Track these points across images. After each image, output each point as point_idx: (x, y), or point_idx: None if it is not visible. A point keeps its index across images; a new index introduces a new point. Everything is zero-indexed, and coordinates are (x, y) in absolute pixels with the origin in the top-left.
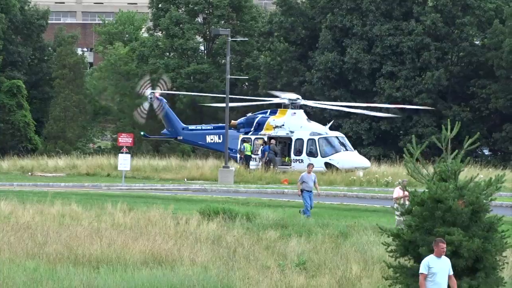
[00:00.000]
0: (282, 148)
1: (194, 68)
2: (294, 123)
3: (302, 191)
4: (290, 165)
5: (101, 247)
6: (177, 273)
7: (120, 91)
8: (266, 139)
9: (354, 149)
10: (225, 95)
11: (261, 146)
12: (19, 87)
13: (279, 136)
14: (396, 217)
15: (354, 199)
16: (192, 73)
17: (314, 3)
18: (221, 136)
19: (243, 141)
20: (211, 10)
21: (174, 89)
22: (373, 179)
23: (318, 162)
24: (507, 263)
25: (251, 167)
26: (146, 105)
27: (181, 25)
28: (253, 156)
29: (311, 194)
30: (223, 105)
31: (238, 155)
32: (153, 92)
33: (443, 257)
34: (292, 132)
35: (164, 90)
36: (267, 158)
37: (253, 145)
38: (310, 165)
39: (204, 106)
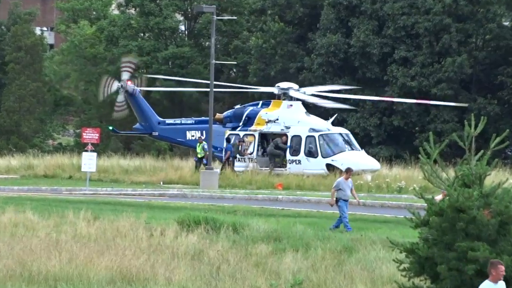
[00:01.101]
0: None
1: (173, 51)
2: (290, 117)
3: (337, 200)
4: (285, 166)
5: (60, 262)
6: None
7: (85, 78)
8: (257, 135)
9: (361, 148)
10: (209, 84)
11: (241, 144)
12: None
13: (272, 132)
14: None
15: (360, 208)
16: (170, 57)
17: None
18: (204, 131)
19: (228, 139)
20: None
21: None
22: (383, 184)
23: (318, 164)
24: None
25: (237, 168)
26: (120, 97)
27: (158, 1)
28: (238, 156)
29: (347, 203)
30: (207, 89)
31: (224, 155)
32: (122, 81)
33: (500, 282)
34: (288, 127)
35: (132, 72)
36: (231, 157)
37: (241, 143)
38: (349, 170)
39: (184, 96)
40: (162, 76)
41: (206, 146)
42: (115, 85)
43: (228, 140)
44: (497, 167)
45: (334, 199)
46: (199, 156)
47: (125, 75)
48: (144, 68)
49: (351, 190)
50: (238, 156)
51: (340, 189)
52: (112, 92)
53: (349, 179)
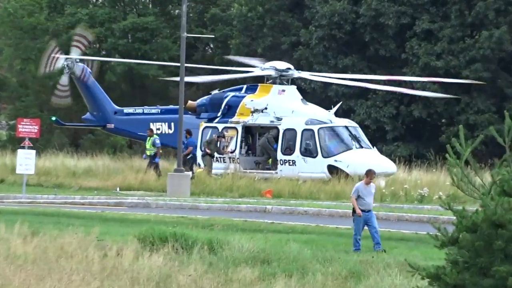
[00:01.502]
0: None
1: (133, 21)
2: (282, 106)
3: (354, 210)
4: (275, 168)
5: None
6: None
7: (21, 55)
8: (240, 129)
9: (373, 145)
10: (179, 63)
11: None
12: None
13: (259, 124)
14: None
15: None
16: (130, 29)
17: None
18: (172, 124)
19: (189, 131)
20: None
21: (103, 52)
22: (401, 192)
23: (318, 165)
24: None
25: (215, 171)
26: (64, 78)
27: None
28: (216, 155)
29: (372, 216)
30: (177, 78)
31: (202, 153)
32: (70, 58)
33: None
34: (279, 119)
35: (85, 50)
36: (190, 156)
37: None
38: (371, 172)
39: (148, 78)
40: (117, 59)
41: (158, 141)
42: (61, 61)
43: (188, 132)
44: None
45: (358, 208)
46: (148, 153)
47: (74, 52)
48: (96, 43)
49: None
50: (216, 155)
51: (359, 196)
52: (56, 69)
53: (371, 184)
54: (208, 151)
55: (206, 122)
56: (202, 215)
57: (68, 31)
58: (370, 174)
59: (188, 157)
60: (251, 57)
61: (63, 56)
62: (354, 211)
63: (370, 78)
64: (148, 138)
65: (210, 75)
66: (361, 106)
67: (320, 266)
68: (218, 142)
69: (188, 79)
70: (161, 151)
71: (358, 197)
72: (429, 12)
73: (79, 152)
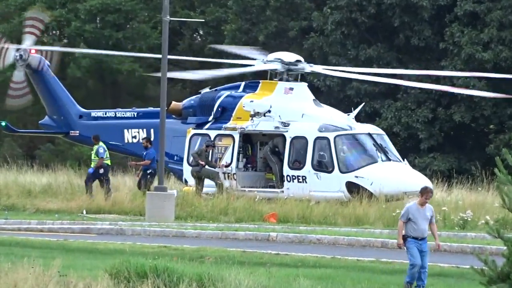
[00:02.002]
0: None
1: (103, 1)
2: (289, 108)
3: (405, 238)
4: (281, 187)
5: None
6: None
7: None
8: (237, 136)
9: (403, 157)
10: (160, 55)
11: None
12: None
13: (261, 131)
14: None
15: (400, 252)
16: (99, 11)
17: None
18: (152, 130)
19: (148, 139)
20: None
21: (65, 40)
22: (438, 215)
23: (334, 182)
24: None
25: (205, 189)
26: (18, 74)
27: None
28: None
29: (425, 248)
30: (158, 74)
31: (190, 164)
32: (21, 50)
33: None
34: (286, 124)
35: (40, 36)
36: (149, 174)
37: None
38: (427, 191)
39: (121, 73)
40: (83, 50)
41: (102, 150)
42: (12, 52)
43: (148, 141)
44: None
45: (406, 235)
46: (92, 165)
47: (28, 40)
48: (56, 28)
49: (430, 222)
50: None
51: (410, 219)
52: (7, 65)
53: (427, 206)
54: (202, 163)
55: (194, 129)
56: (190, 244)
57: (20, 13)
58: (426, 193)
59: (148, 171)
60: (249, 47)
61: (14, 46)
62: (405, 237)
63: (400, 73)
64: (95, 146)
65: (198, 69)
66: (388, 109)
67: None
68: (208, 153)
69: (171, 74)
70: (108, 163)
71: (409, 220)
72: None
73: (35, 166)
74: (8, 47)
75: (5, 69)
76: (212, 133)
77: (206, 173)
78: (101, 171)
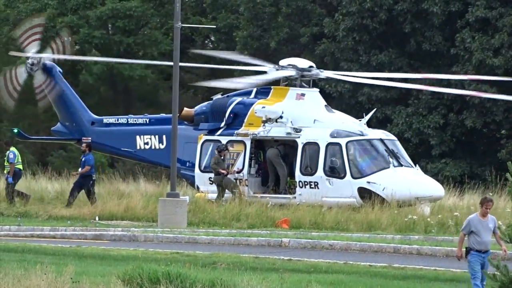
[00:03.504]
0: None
1: (114, 8)
2: (301, 114)
3: (467, 251)
4: (293, 192)
5: None
6: None
7: None
8: (248, 143)
9: (415, 163)
10: (172, 63)
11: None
12: None
13: (273, 137)
14: None
15: (413, 258)
16: (109, 17)
17: None
18: (164, 137)
19: (88, 144)
20: None
21: (76, 47)
22: (450, 221)
23: (346, 188)
24: None
25: (211, 196)
26: (22, 73)
27: None
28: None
29: (486, 258)
30: (170, 61)
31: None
32: (38, 58)
33: None
34: (297, 130)
35: (60, 53)
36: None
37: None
38: (486, 201)
39: (133, 80)
40: (96, 58)
41: (12, 155)
42: (33, 49)
43: (88, 146)
44: None
45: (463, 249)
46: (5, 171)
47: (33, 48)
48: (68, 35)
49: (494, 233)
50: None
51: (472, 231)
52: (23, 81)
53: (489, 217)
54: (223, 172)
55: (206, 135)
56: (202, 250)
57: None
58: (485, 203)
59: (92, 180)
60: (260, 55)
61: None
62: (468, 250)
63: (411, 77)
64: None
65: (210, 75)
66: (399, 114)
67: None
68: (222, 158)
69: (185, 65)
70: (20, 167)
71: (471, 233)
72: None
73: (48, 172)
74: (15, 68)
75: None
76: (224, 139)
77: (226, 183)
78: (9, 179)
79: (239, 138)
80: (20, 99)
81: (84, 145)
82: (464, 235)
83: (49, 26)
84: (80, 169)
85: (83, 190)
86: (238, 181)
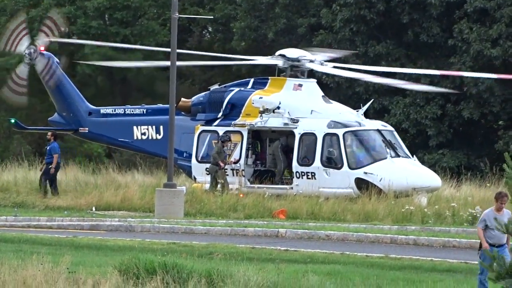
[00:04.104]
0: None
1: None
2: (299, 105)
3: (481, 245)
4: (290, 182)
5: None
6: None
7: None
8: (245, 133)
9: (412, 154)
10: (169, 52)
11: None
12: None
13: (270, 128)
14: None
15: (410, 248)
16: (107, 8)
17: None
18: (161, 127)
19: (54, 134)
20: None
21: (73, 37)
22: (447, 211)
23: (343, 178)
24: None
25: (207, 185)
26: (23, 69)
27: None
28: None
29: (505, 253)
30: (166, 63)
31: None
32: (34, 46)
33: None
34: (295, 121)
35: (55, 38)
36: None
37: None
38: (501, 195)
39: (130, 71)
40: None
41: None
42: (25, 44)
43: (54, 135)
44: None
45: (485, 241)
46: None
47: (41, 39)
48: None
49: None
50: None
51: (487, 227)
52: (17, 53)
53: (504, 211)
54: (221, 164)
55: (203, 125)
56: (199, 240)
57: (29, 10)
58: (500, 198)
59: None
60: (257, 46)
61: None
62: (481, 245)
63: (409, 72)
64: None
65: (207, 66)
66: (397, 105)
67: None
68: (227, 148)
69: (181, 63)
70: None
71: (486, 227)
72: None
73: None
74: (24, 38)
75: (15, 58)
76: (221, 130)
77: (220, 175)
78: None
79: (236, 128)
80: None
81: (49, 133)
82: (482, 229)
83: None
84: (46, 158)
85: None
86: (235, 171)
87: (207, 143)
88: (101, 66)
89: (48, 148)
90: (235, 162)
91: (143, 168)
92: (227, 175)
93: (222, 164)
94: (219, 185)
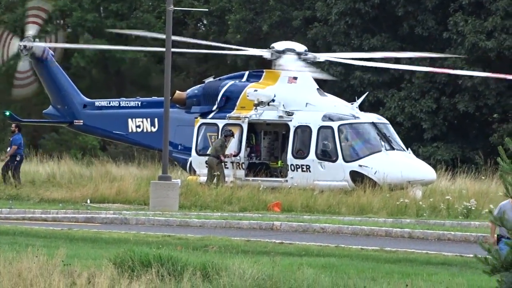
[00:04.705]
0: (271, 144)
1: None
2: (293, 97)
3: (499, 238)
4: (285, 175)
5: None
6: None
7: None
8: (245, 125)
9: (407, 147)
10: (164, 47)
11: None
12: None
13: (265, 120)
14: None
15: (404, 241)
16: (102, 0)
17: None
18: (156, 120)
19: (18, 126)
20: None
21: (68, 30)
22: (442, 204)
23: (338, 171)
24: None
25: (203, 179)
26: (24, 65)
27: None
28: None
29: None
30: (161, 49)
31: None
32: (26, 38)
33: None
34: (289, 114)
35: (42, 25)
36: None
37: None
38: None
39: (125, 63)
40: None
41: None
42: (16, 44)
43: (18, 127)
44: None
45: (495, 235)
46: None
47: (31, 30)
48: (60, 18)
49: None
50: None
51: (507, 219)
52: (12, 56)
53: None
54: (222, 158)
55: (200, 118)
56: (194, 233)
57: (24, 3)
58: None
59: (16, 158)
60: (252, 39)
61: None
62: (499, 238)
63: (402, 56)
64: None
65: (202, 57)
66: (392, 98)
67: None
68: (228, 143)
69: (175, 50)
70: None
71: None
72: None
73: (39, 155)
74: (12, 37)
75: (12, 58)
76: (218, 123)
77: (219, 169)
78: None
79: (233, 121)
80: (11, 82)
81: (13, 125)
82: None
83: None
84: (8, 149)
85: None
86: (235, 164)
87: (202, 135)
88: (96, 59)
89: (11, 139)
90: (235, 155)
91: (138, 160)
92: (227, 168)
93: (222, 158)
94: (215, 179)
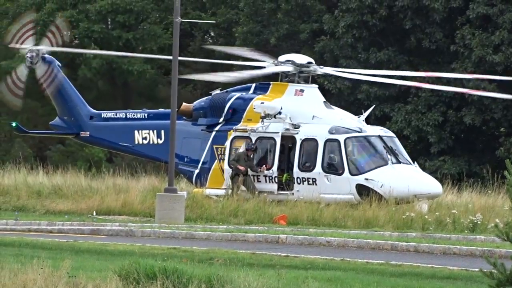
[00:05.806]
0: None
1: (114, 2)
2: (300, 110)
3: None
4: (291, 188)
5: None
6: None
7: None
8: (278, 139)
9: (413, 160)
10: (171, 56)
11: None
12: None
13: (272, 133)
14: None
15: (410, 255)
16: (109, 12)
17: None
18: (162, 132)
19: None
20: None
21: (76, 41)
22: (448, 218)
23: (344, 184)
24: None
25: (212, 191)
26: (23, 70)
27: None
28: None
29: None
30: (168, 56)
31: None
32: (36, 50)
33: None
34: (296, 126)
35: (57, 44)
36: None
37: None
38: None
39: (132, 74)
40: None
41: None
42: (29, 44)
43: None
44: None
45: None
46: None
47: (45, 44)
48: (68, 29)
49: None
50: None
51: None
52: (20, 48)
53: None
54: (241, 168)
55: (205, 130)
56: (199, 246)
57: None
58: None
59: None
60: (260, 50)
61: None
62: None
63: (410, 75)
64: None
65: (209, 71)
66: (398, 112)
67: None
68: (251, 157)
69: (188, 76)
70: None
71: None
72: None
73: (45, 167)
74: (29, 39)
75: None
76: (254, 136)
77: (246, 182)
78: None
79: (239, 133)
80: (16, 92)
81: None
82: None
83: (48, 21)
84: None
85: None
86: (268, 178)
87: (230, 150)
88: (102, 70)
89: None
90: (268, 169)
91: (144, 172)
92: (259, 181)
93: (242, 168)
94: (239, 191)
